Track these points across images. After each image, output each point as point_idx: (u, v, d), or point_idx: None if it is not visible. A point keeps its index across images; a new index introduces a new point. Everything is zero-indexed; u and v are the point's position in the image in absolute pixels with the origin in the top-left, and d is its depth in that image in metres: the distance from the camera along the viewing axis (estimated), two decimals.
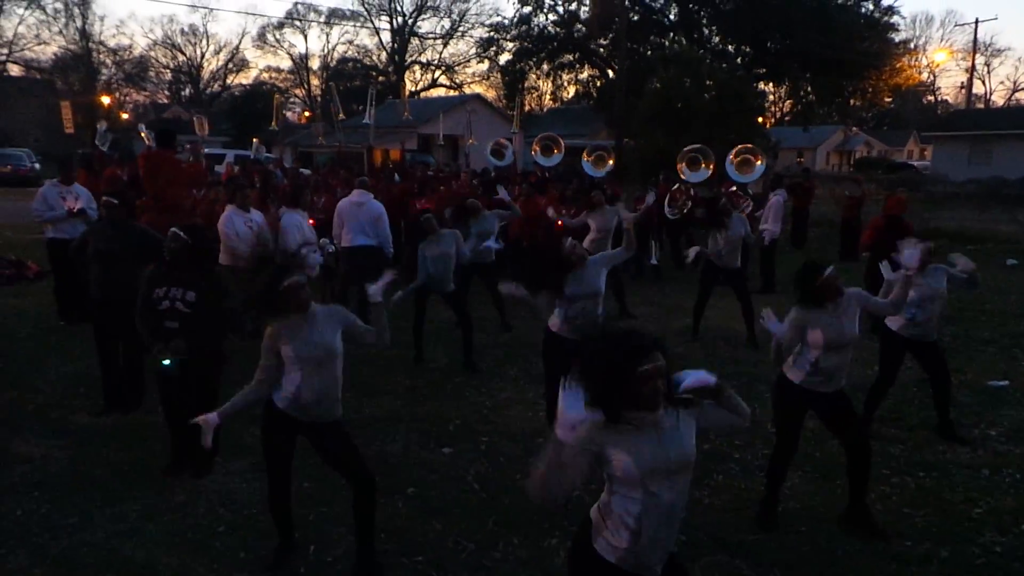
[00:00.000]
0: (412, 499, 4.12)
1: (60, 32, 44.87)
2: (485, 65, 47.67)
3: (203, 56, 61.02)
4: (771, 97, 40.14)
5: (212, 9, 67.78)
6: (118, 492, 4.09)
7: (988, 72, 60.38)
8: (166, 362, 4.00)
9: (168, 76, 60.42)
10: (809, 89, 37.00)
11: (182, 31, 59.57)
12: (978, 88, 56.33)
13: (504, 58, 40.20)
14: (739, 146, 10.76)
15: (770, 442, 4.96)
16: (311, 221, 7.54)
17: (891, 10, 34.42)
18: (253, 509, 3.94)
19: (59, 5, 43.81)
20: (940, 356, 5.12)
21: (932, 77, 58.88)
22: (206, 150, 13.08)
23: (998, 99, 59.16)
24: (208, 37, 61.24)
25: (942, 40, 58.51)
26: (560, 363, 4.60)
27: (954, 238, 14.46)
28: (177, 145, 7.79)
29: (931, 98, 62.38)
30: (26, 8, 42.48)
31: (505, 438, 5.02)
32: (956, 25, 57.49)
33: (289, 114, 59.43)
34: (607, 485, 2.22)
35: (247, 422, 5.03)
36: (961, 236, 14.64)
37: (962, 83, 51.10)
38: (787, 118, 41.83)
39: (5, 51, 42.60)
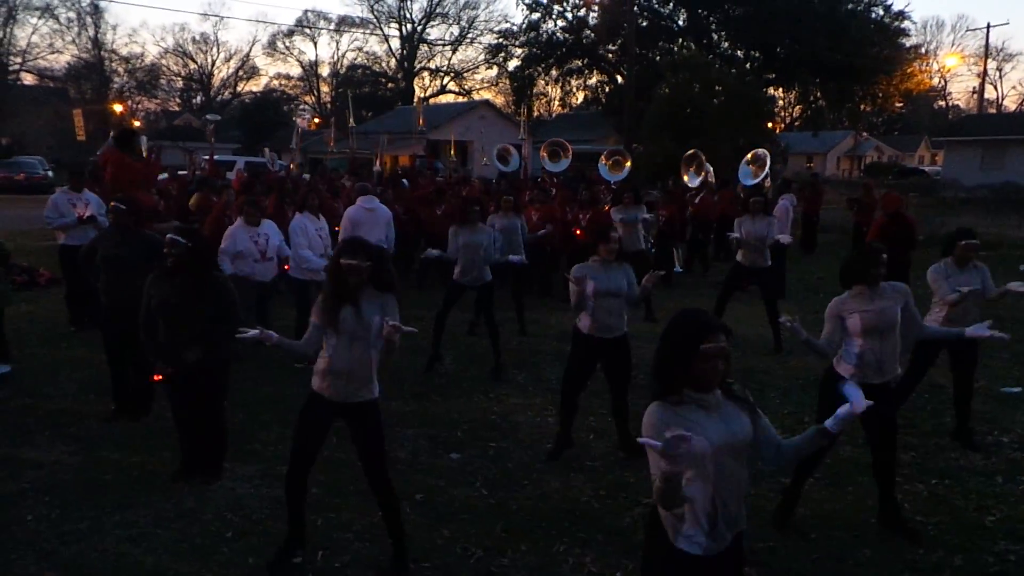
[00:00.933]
0: (420, 505, 4.11)
1: (73, 41, 45.23)
2: (494, 71, 47.81)
3: (214, 64, 61.47)
4: (780, 102, 40.02)
5: (223, 17, 68.25)
6: (128, 498, 4.10)
7: (1000, 77, 60.06)
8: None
9: (179, 84, 60.85)
10: (819, 94, 36.90)
11: (193, 39, 60.08)
12: (990, 93, 55.98)
13: (513, 64, 40.29)
14: (754, 151, 10.92)
15: (785, 427, 4.93)
16: (337, 227, 7.60)
17: (902, 15, 34.34)
18: (262, 515, 3.94)
19: (72, 15, 44.23)
20: (972, 358, 5.00)
21: (943, 82, 58.62)
22: (216, 157, 13.14)
23: (1010, 104, 58.82)
24: (219, 45, 61.87)
25: (953, 45, 58.27)
26: (586, 363, 4.71)
27: None
28: (137, 146, 7.85)
29: (942, 103, 62.06)
30: (39, 18, 42.82)
31: (514, 444, 5.01)
32: (968, 30, 57.19)
33: (299, 120, 59.84)
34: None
35: (257, 428, 5.06)
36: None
37: (974, 88, 50.92)
38: (797, 123, 41.68)
39: (19, 60, 42.99)
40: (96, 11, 45.05)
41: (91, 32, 45.83)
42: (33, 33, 43.36)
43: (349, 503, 4.09)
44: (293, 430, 3.47)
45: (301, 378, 5.88)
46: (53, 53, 44.07)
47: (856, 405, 2.40)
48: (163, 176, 11.15)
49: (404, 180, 11.76)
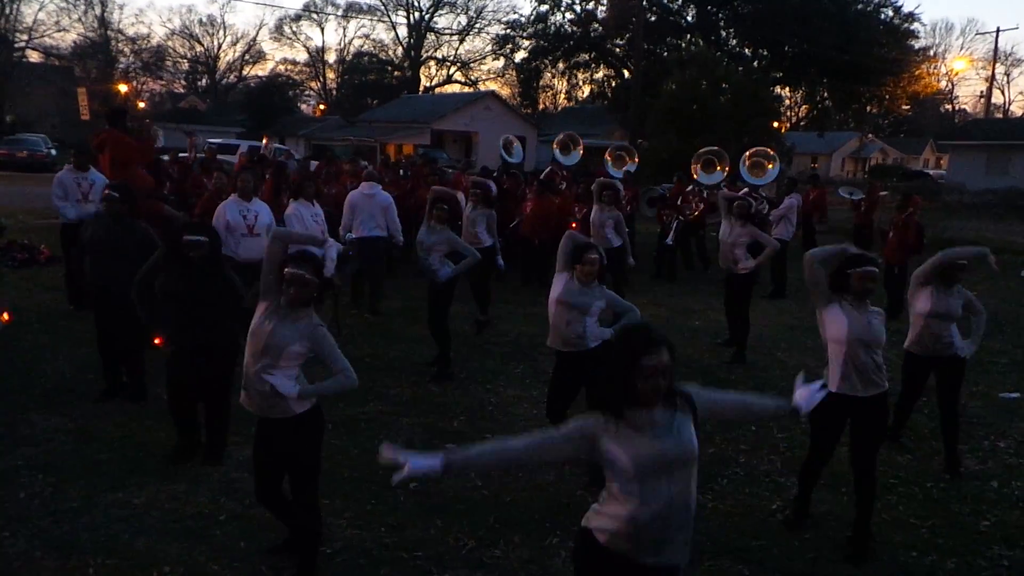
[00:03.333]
0: (413, 495, 4.10)
1: (80, 19, 44.91)
2: (501, 62, 47.69)
3: (220, 47, 61.29)
4: (787, 101, 39.92)
5: (230, 0, 67.81)
6: (121, 478, 4.10)
7: (1008, 82, 59.90)
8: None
9: (185, 66, 60.66)
10: (826, 94, 36.81)
11: (200, 21, 60.08)
12: (997, 98, 55.71)
13: (520, 56, 40.21)
14: (754, 149, 10.78)
15: (777, 448, 4.93)
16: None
17: (911, 17, 34.27)
18: (255, 500, 3.93)
19: None
20: (957, 377, 4.75)
21: (950, 86, 58.41)
22: (219, 140, 13.05)
23: (1016, 110, 58.70)
24: (225, 28, 61.67)
25: (962, 48, 58.14)
26: (563, 379, 4.47)
27: None
28: (127, 123, 7.80)
29: (949, 107, 61.85)
30: None
31: (510, 436, 4.98)
32: (977, 34, 56.89)
33: (304, 107, 59.71)
34: (607, 473, 2.20)
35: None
36: (977, 246, 14.49)
37: (981, 92, 50.70)
38: (803, 123, 41.60)
39: (25, 38, 42.73)
40: None
41: (98, 11, 45.58)
42: (40, 10, 43.25)
43: (341, 491, 4.08)
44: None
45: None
46: (59, 31, 43.85)
47: (801, 407, 2.53)
48: (165, 158, 11.09)
49: (402, 171, 11.73)
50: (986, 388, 6.37)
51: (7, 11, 40.93)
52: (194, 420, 4.33)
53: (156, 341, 4.35)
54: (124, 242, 4.93)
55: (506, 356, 6.80)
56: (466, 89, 51.49)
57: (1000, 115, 53.01)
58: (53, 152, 27.77)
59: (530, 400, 5.66)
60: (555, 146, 12.05)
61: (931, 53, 46.95)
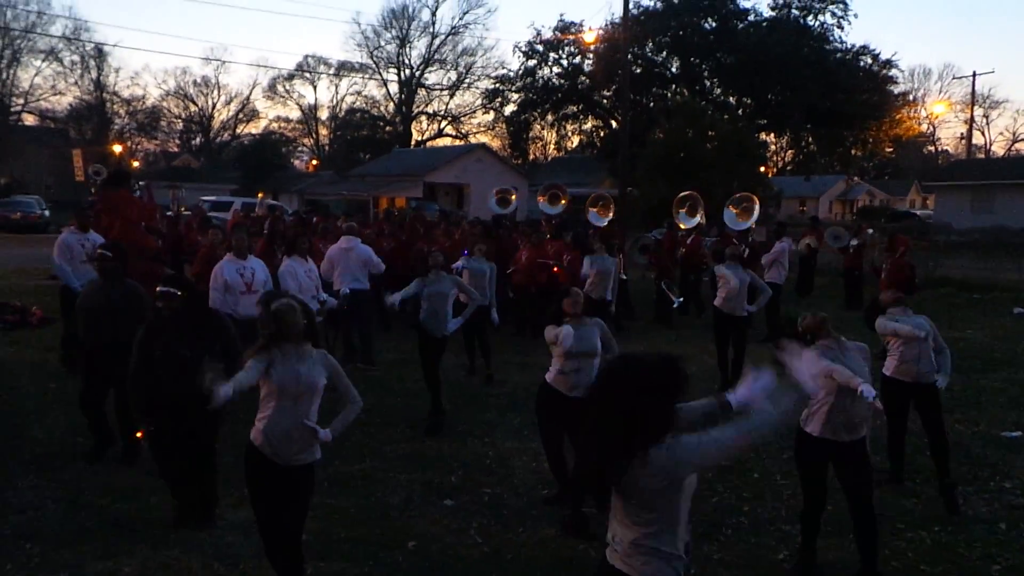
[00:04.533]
0: (413, 553, 4.00)
1: (76, 83, 45.80)
2: (491, 116, 48.52)
3: (214, 106, 62.19)
4: (772, 147, 40.66)
5: (225, 62, 69.34)
6: (111, 546, 3.98)
7: (987, 123, 61.12)
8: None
9: (179, 125, 61.52)
10: (810, 139, 37.57)
11: (195, 82, 60.73)
12: (978, 139, 56.90)
13: (509, 109, 40.95)
14: (739, 194, 10.95)
15: (780, 495, 4.86)
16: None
17: (889, 63, 35.19)
18: (249, 563, 3.82)
19: (76, 58, 44.85)
20: (937, 403, 4.90)
21: (932, 128, 59.67)
22: (213, 198, 13.13)
23: (998, 149, 59.76)
24: (220, 88, 62.17)
25: (941, 92, 59.39)
26: (551, 415, 4.53)
27: (960, 286, 14.41)
28: (131, 185, 7.87)
29: (931, 148, 63.08)
30: (43, 60, 43.38)
31: (509, 490, 4.91)
32: (954, 78, 58.39)
33: (297, 163, 60.42)
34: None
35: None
36: (967, 285, 14.59)
37: (962, 134, 51.71)
38: (789, 168, 42.31)
39: (21, 101, 43.48)
40: (100, 55, 45.79)
41: (94, 75, 46.49)
42: (36, 75, 43.94)
43: (338, 551, 3.98)
44: (250, 497, 3.36)
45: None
46: (55, 95, 44.63)
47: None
48: (169, 213, 11.20)
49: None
50: (987, 428, 6.32)
51: (3, 76, 41.71)
52: (185, 476, 4.23)
53: (138, 434, 4.29)
54: (116, 300, 4.91)
55: (503, 408, 6.73)
56: (457, 142, 52.29)
57: (982, 155, 54.05)
58: (47, 213, 27.90)
59: (529, 452, 5.58)
60: (541, 198, 12.18)
61: (911, 97, 48.15)
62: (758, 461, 5.43)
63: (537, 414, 4.74)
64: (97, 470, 4.97)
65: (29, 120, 45.04)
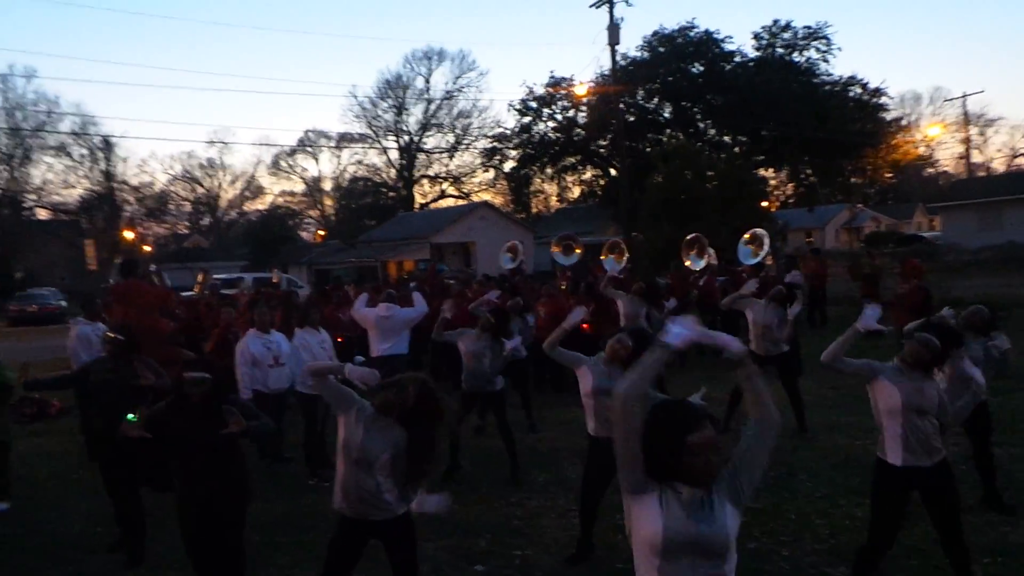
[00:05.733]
0: None
1: (85, 175, 47.00)
2: (491, 173, 49.24)
3: (220, 186, 63.58)
4: (772, 182, 40.95)
5: (228, 143, 71.19)
6: None
7: (985, 141, 61.45)
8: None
9: (187, 207, 62.79)
10: (809, 171, 37.84)
11: (200, 165, 62.29)
12: (977, 157, 57.12)
13: (508, 165, 41.59)
14: (749, 232, 11.02)
15: (819, 536, 4.71)
16: (339, 338, 7.61)
17: (879, 91, 35.65)
18: None
19: (85, 151, 46.14)
20: (986, 419, 4.90)
21: (929, 151, 60.03)
22: (223, 276, 13.30)
23: (999, 166, 59.90)
24: (225, 168, 63.77)
25: (934, 115, 59.93)
26: (601, 468, 4.41)
27: None
28: (141, 272, 7.96)
29: (932, 170, 63.31)
30: (54, 156, 44.65)
31: (540, 550, 4.79)
32: (945, 100, 58.85)
33: (304, 234, 61.28)
34: (632, 539, 2.16)
35: (272, 550, 4.86)
36: (985, 304, 14.38)
37: (960, 154, 51.97)
38: (791, 200, 42.50)
39: (33, 197, 44.60)
40: (107, 146, 47.01)
41: (103, 166, 47.71)
42: (48, 171, 45.23)
43: None
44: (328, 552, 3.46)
45: (316, 494, 5.74)
46: (66, 188, 45.74)
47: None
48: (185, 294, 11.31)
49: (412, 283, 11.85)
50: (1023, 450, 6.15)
51: (16, 174, 42.86)
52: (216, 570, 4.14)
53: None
54: (127, 384, 4.90)
55: (527, 465, 6.60)
56: (460, 202, 53.00)
57: (984, 173, 54.17)
58: (63, 304, 28.30)
59: (557, 510, 5.46)
60: (554, 248, 12.26)
61: (904, 123, 48.56)
62: (793, 502, 5.29)
63: (585, 466, 4.71)
64: (117, 558, 4.88)
65: (42, 214, 46.09)
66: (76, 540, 5.30)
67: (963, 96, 39.45)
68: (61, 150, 44.31)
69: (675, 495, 2.09)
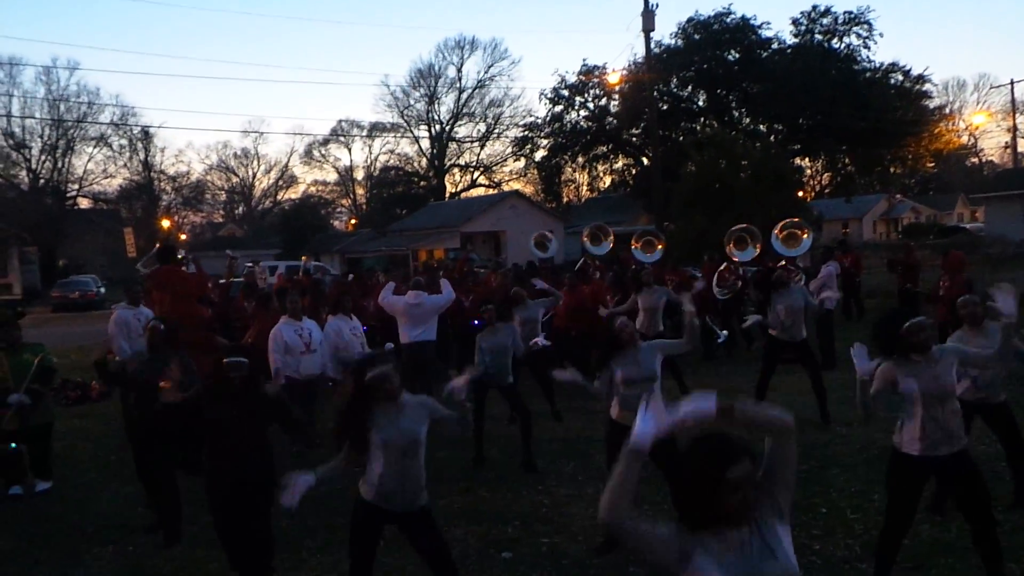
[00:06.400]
0: None
1: (125, 165, 48.11)
2: (522, 163, 49.15)
3: (255, 176, 64.57)
4: (808, 171, 40.18)
5: (262, 133, 72.16)
6: None
7: None
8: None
9: (223, 197, 63.87)
10: (847, 160, 37.02)
11: (235, 154, 63.32)
12: (1023, 146, 55.29)
13: (540, 154, 41.41)
14: (784, 220, 10.71)
15: (852, 531, 4.64)
16: (365, 328, 7.69)
17: (922, 79, 34.68)
18: None
19: (124, 141, 47.20)
20: (1009, 418, 4.76)
21: (973, 139, 58.31)
22: (261, 265, 13.44)
23: None
24: (259, 158, 64.71)
25: (979, 103, 58.16)
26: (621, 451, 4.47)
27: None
28: (179, 259, 8.06)
29: (975, 160, 61.55)
30: (95, 147, 45.71)
31: (567, 538, 4.79)
32: (991, 87, 57.03)
33: (336, 223, 61.91)
34: None
35: (303, 534, 4.94)
36: None
37: (1006, 143, 50.42)
38: (827, 191, 41.64)
39: (76, 187, 45.75)
40: (146, 136, 48.06)
41: (141, 156, 48.76)
42: (89, 161, 46.26)
43: None
44: (350, 544, 3.50)
45: (345, 479, 5.80)
46: (107, 178, 46.83)
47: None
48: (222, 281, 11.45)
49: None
50: None
51: (59, 164, 43.98)
52: (243, 546, 4.21)
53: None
54: (160, 373, 5.00)
55: (555, 454, 6.62)
56: (491, 191, 53.01)
57: None
58: (103, 290, 29.04)
59: (585, 499, 5.45)
60: (585, 237, 12.20)
61: (947, 111, 47.22)
62: (825, 496, 5.21)
63: (607, 453, 4.70)
64: (158, 542, 4.99)
65: (83, 203, 47.27)
66: (116, 519, 5.46)
67: (1011, 83, 38.19)
68: (102, 140, 45.38)
69: (723, 545, 1.94)
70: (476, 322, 7.86)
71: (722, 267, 11.09)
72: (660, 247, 11.64)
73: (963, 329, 4.80)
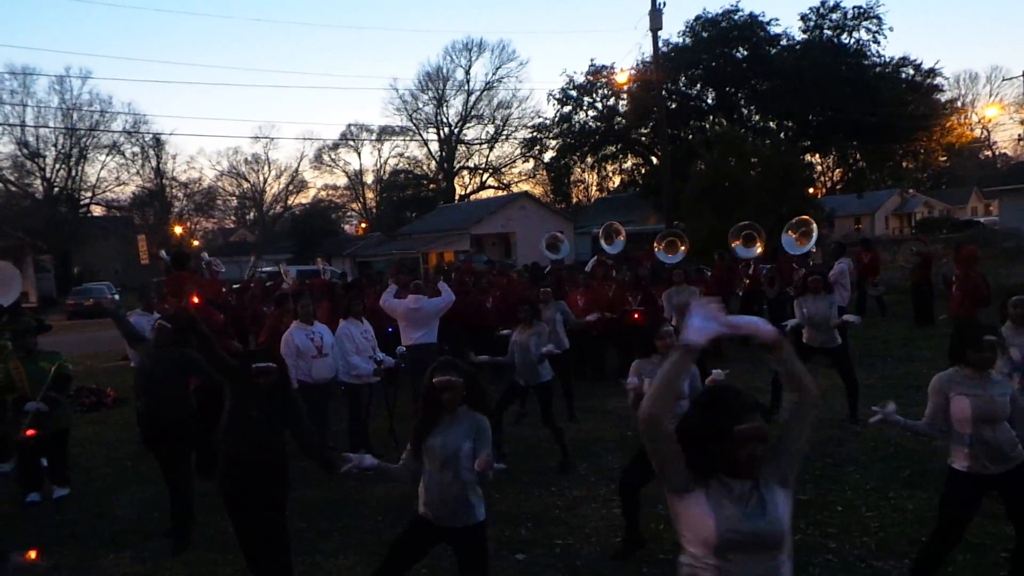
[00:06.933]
0: None
1: (137, 173, 48.50)
2: (531, 164, 49.10)
3: (265, 181, 64.86)
4: (819, 168, 39.91)
5: (273, 138, 72.48)
6: None
7: None
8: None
9: (234, 202, 64.22)
10: (858, 156, 36.72)
11: (246, 160, 63.70)
12: None
13: (548, 155, 41.34)
14: (795, 218, 10.70)
15: (868, 529, 4.61)
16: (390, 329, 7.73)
17: (933, 72, 34.33)
18: None
19: (136, 149, 47.59)
20: None
21: (986, 132, 57.72)
22: (269, 268, 13.48)
23: None
24: (269, 163, 65.11)
25: (991, 96, 57.58)
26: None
27: None
28: (191, 264, 8.12)
29: (988, 153, 60.93)
30: (107, 155, 46.11)
31: (580, 539, 4.78)
32: (1004, 80, 56.42)
33: (347, 227, 62.14)
34: (683, 552, 2.10)
35: (318, 537, 4.95)
36: None
37: (1019, 136, 49.89)
38: (838, 187, 41.35)
39: (89, 194, 46.17)
40: (158, 144, 48.43)
41: (153, 163, 49.14)
42: (102, 169, 46.69)
43: None
44: (392, 544, 3.45)
45: (360, 482, 5.82)
46: (119, 185, 47.21)
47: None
48: (236, 286, 11.55)
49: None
50: None
51: (73, 173, 44.40)
52: (262, 553, 4.23)
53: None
54: (166, 370, 5.10)
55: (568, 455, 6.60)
56: (500, 192, 53.02)
57: None
58: (117, 297, 29.26)
59: (598, 499, 5.44)
60: (600, 237, 12.24)
61: (959, 104, 46.76)
62: (841, 494, 5.18)
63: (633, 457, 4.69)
64: (172, 540, 5.03)
65: (97, 211, 47.72)
66: (133, 525, 5.50)
67: (1023, 75, 37.79)
68: (114, 148, 45.77)
69: (724, 490, 2.03)
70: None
71: (739, 266, 11.09)
72: (683, 248, 11.64)
73: (1008, 326, 4.78)
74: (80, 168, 44.81)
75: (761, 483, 2.06)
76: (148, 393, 5.25)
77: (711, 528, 1.99)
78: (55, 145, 43.48)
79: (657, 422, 2.04)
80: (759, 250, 11.07)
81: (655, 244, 11.62)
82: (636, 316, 8.98)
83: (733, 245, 11.14)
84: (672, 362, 2.07)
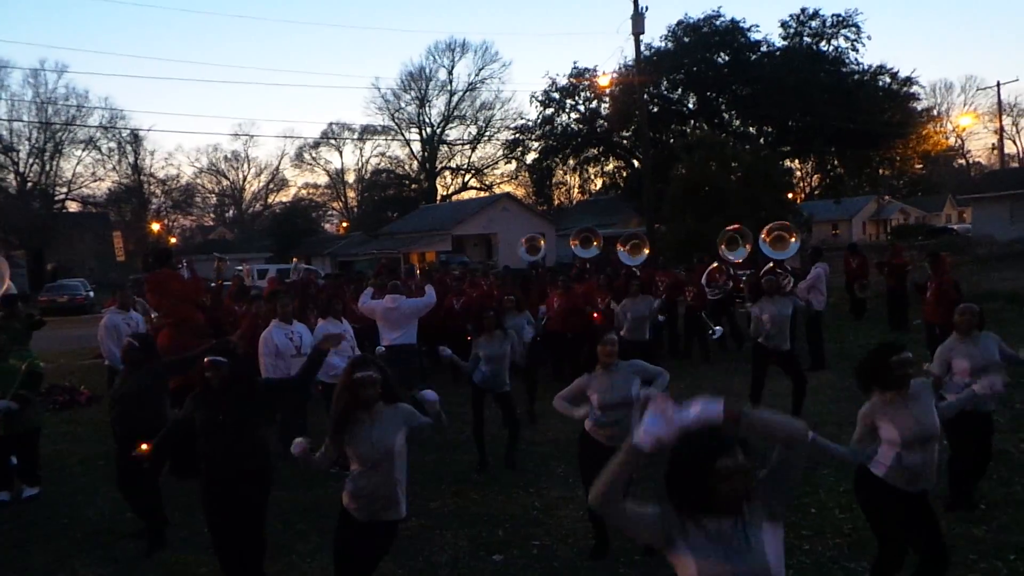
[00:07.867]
0: None
1: (114, 168, 47.76)
2: (513, 165, 49.12)
3: (245, 179, 64.35)
4: (798, 173, 40.38)
5: (253, 136, 71.81)
6: None
7: (1018, 131, 60.03)
8: None
9: (213, 200, 63.59)
10: (836, 162, 37.24)
11: (225, 157, 63.13)
12: (1010, 148, 55.82)
13: (531, 157, 41.45)
14: (772, 223, 10.73)
15: (841, 530, 4.66)
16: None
17: (909, 80, 34.93)
18: None
19: (113, 144, 46.85)
20: (990, 432, 4.83)
21: (960, 141, 58.77)
22: (249, 266, 13.32)
23: None
24: (249, 161, 64.57)
25: (965, 105, 58.65)
26: (593, 465, 4.42)
27: (1011, 300, 13.89)
28: (173, 262, 7.99)
29: (962, 161, 62.02)
30: (83, 150, 45.39)
31: (558, 540, 4.80)
32: (978, 89, 57.52)
33: (327, 226, 61.75)
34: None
35: (294, 538, 4.92)
36: (1018, 298, 14.07)
37: (993, 144, 50.86)
38: (817, 192, 41.88)
39: (64, 190, 45.44)
40: (136, 139, 47.72)
41: (131, 159, 48.45)
42: (77, 164, 45.96)
43: None
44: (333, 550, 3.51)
45: (336, 483, 5.78)
46: (96, 181, 46.51)
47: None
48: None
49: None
50: None
51: (48, 168, 43.68)
52: (236, 552, 4.18)
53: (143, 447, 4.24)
54: (139, 388, 4.92)
55: (545, 456, 6.63)
56: (482, 193, 52.98)
57: (1016, 164, 52.97)
58: (91, 295, 28.82)
59: (576, 501, 5.45)
60: (574, 242, 12.23)
61: (935, 112, 47.57)
62: (814, 496, 5.24)
63: (579, 465, 4.65)
64: (145, 546, 4.96)
65: (72, 207, 46.94)
66: (105, 525, 5.42)
67: (997, 85, 38.58)
68: (90, 144, 45.07)
69: (702, 533, 1.98)
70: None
71: (712, 267, 11.15)
72: (646, 251, 11.67)
73: (953, 337, 4.81)
74: (55, 163, 44.14)
75: (747, 520, 2.01)
76: (123, 416, 4.98)
77: (694, 574, 1.97)
78: (29, 139, 42.83)
79: (609, 509, 2.06)
80: (747, 253, 11.09)
81: (619, 246, 11.62)
82: (595, 316, 9.03)
83: (720, 248, 11.18)
84: (618, 463, 2.05)
